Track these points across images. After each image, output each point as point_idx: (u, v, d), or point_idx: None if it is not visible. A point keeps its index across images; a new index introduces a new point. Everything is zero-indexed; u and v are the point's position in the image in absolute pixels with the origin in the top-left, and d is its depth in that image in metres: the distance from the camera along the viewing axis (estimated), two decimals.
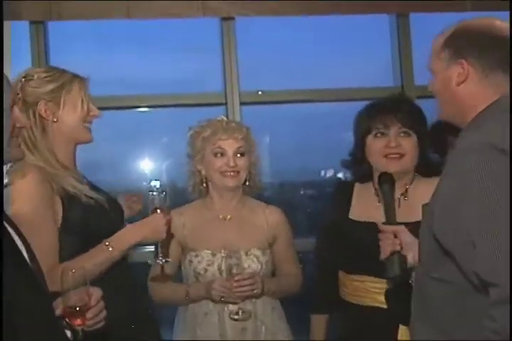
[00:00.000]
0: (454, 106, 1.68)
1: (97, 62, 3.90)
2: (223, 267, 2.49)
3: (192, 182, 2.66)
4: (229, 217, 2.60)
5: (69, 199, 2.10)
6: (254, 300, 2.51)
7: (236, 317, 2.46)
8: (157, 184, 2.26)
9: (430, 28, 2.88)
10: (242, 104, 3.86)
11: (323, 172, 4.82)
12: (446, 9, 3.62)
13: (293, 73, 4.15)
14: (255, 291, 2.43)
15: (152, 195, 2.21)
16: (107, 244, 2.08)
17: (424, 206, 1.71)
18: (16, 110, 1.58)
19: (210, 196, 2.64)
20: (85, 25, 3.83)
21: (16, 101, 1.63)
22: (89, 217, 2.11)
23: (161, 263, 2.24)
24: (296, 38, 4.14)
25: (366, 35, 4.04)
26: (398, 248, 1.99)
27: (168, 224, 2.20)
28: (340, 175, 4.61)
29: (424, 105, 2.53)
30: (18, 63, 3.31)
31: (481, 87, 1.62)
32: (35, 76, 2.20)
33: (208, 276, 2.52)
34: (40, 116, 2.18)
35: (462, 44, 1.63)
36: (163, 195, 2.21)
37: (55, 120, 2.19)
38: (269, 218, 2.64)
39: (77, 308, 1.66)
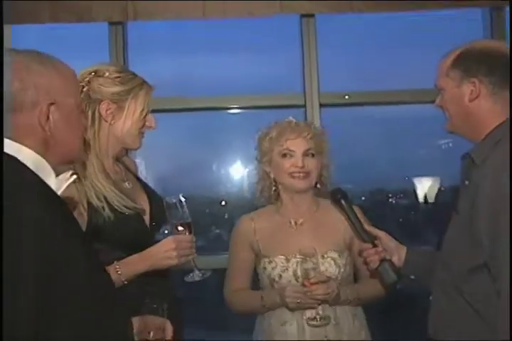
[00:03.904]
0: (465, 119, 1.88)
1: (173, 64, 3.86)
2: (299, 272, 2.39)
3: (261, 187, 2.58)
4: (301, 221, 2.51)
5: (93, 208, 2.04)
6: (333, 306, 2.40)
7: (314, 323, 2.35)
8: (181, 198, 2.09)
9: None
10: (322, 105, 3.69)
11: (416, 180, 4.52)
12: None
13: (376, 74, 3.92)
14: (330, 295, 2.32)
15: (173, 206, 2.05)
16: (117, 266, 2.00)
17: (454, 215, 1.87)
18: None
19: (281, 200, 2.56)
20: (163, 27, 3.80)
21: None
22: (111, 228, 2.02)
23: (198, 279, 2.07)
24: (380, 36, 3.90)
25: (456, 33, 3.74)
26: (383, 255, 2.17)
27: (189, 244, 2.04)
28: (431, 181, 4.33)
29: None
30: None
31: (491, 102, 1.83)
32: (107, 74, 2.12)
33: (283, 283, 2.43)
34: (100, 115, 2.10)
35: (472, 64, 1.83)
36: (184, 209, 2.06)
37: (113, 122, 2.11)
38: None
39: None
